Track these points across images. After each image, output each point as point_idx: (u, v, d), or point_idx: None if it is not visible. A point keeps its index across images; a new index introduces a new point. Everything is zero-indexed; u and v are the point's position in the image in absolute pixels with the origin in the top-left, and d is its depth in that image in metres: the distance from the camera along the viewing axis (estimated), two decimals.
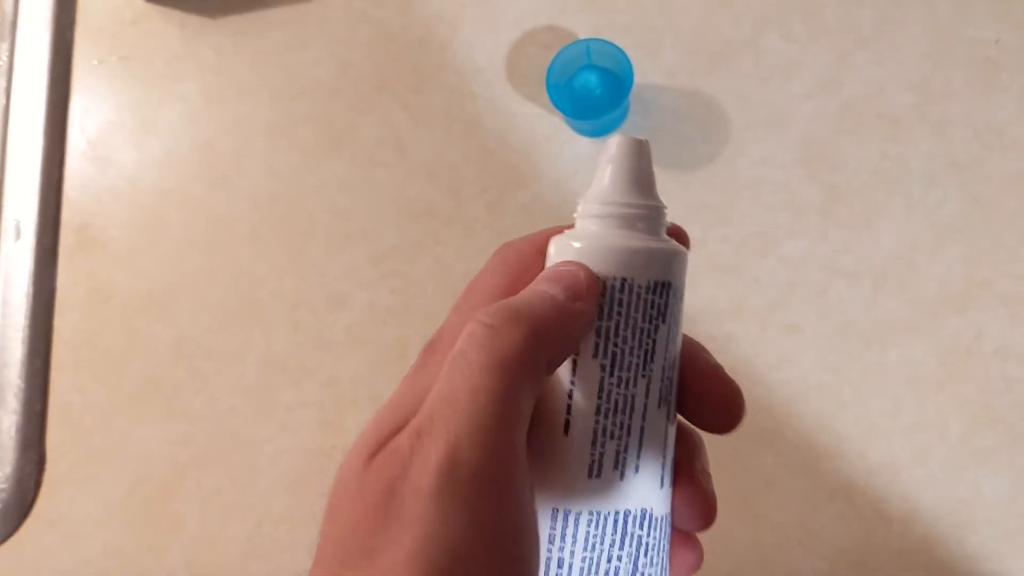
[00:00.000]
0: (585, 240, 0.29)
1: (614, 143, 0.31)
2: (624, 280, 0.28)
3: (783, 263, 0.58)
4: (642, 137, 0.31)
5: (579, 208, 0.30)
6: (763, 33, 0.61)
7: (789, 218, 0.59)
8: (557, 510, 0.28)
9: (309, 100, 0.66)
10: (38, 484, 0.65)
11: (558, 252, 0.30)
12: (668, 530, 0.30)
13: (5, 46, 0.72)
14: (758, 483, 0.56)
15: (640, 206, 0.30)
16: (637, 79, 0.60)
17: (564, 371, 0.28)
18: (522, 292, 0.29)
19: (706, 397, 0.31)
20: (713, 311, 0.58)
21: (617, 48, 0.58)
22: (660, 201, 0.30)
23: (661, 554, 0.29)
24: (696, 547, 0.32)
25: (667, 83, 0.62)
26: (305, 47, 0.67)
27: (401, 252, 0.63)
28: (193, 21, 0.70)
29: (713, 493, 0.31)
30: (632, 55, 0.58)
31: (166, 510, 0.63)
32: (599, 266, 0.29)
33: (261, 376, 0.63)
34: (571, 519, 0.28)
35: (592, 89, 0.59)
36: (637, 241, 0.29)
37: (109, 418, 0.65)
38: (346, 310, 0.63)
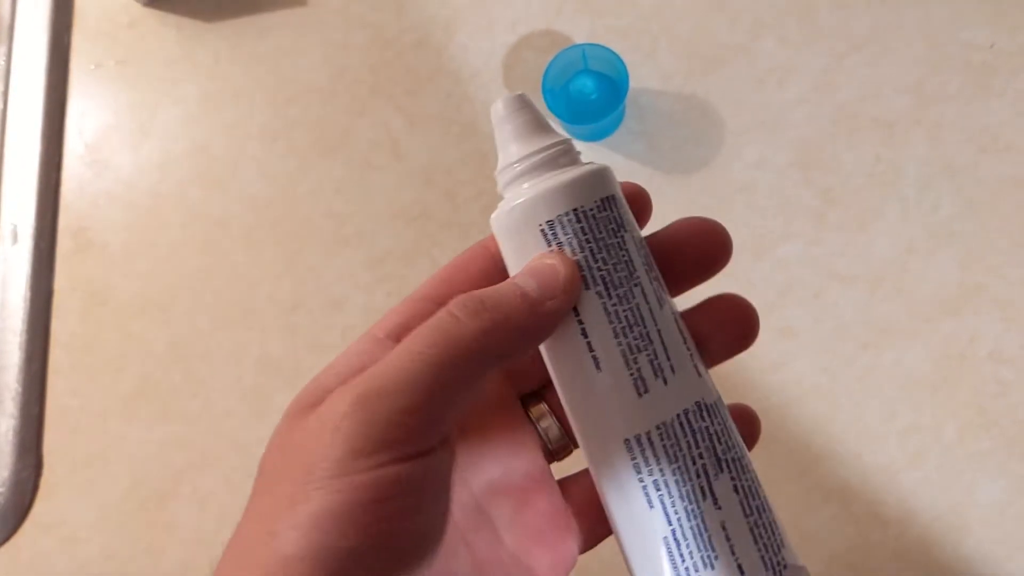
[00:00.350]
0: (521, 197, 0.30)
1: (500, 106, 0.32)
2: (575, 210, 0.29)
3: (778, 266, 0.58)
4: (518, 92, 0.32)
5: (501, 179, 0.31)
6: (758, 37, 0.61)
7: (784, 221, 0.59)
8: (629, 440, 0.29)
9: (305, 104, 0.67)
10: (35, 488, 0.65)
11: (500, 227, 0.31)
12: (726, 411, 0.31)
13: (2, 50, 0.72)
14: None
15: (553, 145, 0.30)
16: (633, 83, 0.60)
17: (567, 319, 0.29)
18: (501, 283, 0.30)
19: (685, 248, 0.32)
20: None
21: (613, 53, 0.58)
22: (565, 135, 0.31)
23: (732, 435, 0.30)
24: (752, 419, 0.33)
25: (663, 87, 0.62)
26: (301, 51, 0.68)
27: (397, 255, 0.63)
28: (189, 25, 0.70)
29: (742, 300, 0.32)
30: (628, 59, 0.58)
31: (163, 513, 0.63)
32: (548, 213, 0.29)
33: (258, 379, 0.63)
34: (645, 441, 0.29)
35: (588, 94, 0.59)
36: (568, 174, 0.30)
37: (106, 421, 0.65)
38: (342, 313, 0.63)
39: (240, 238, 0.65)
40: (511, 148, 0.31)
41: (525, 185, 0.30)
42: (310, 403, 0.28)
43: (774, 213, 0.59)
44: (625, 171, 0.61)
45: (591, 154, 0.62)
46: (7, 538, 0.64)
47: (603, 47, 0.58)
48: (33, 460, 0.65)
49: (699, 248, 0.32)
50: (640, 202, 0.32)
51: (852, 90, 0.60)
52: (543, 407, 0.34)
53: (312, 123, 0.66)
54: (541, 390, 0.34)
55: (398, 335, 0.29)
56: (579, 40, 0.63)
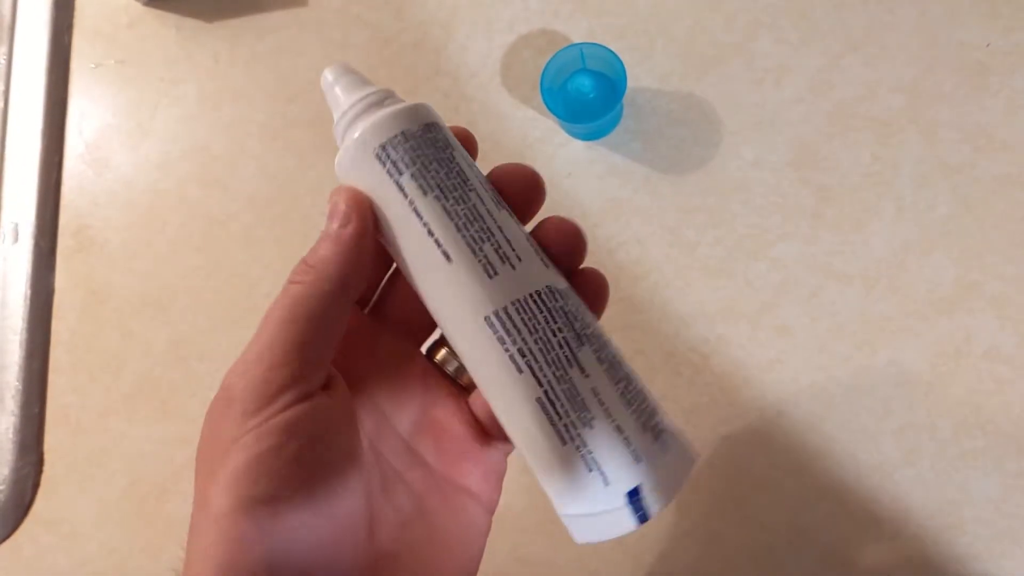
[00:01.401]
0: (353, 135, 0.34)
1: (327, 74, 0.36)
2: (403, 132, 0.33)
3: (774, 265, 0.59)
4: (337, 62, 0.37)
5: (338, 132, 0.35)
6: (755, 37, 0.62)
7: (780, 220, 0.59)
8: (488, 317, 0.32)
9: (304, 103, 0.67)
10: (36, 485, 0.65)
11: (343, 168, 0.35)
12: (579, 300, 0.34)
13: (3, 49, 0.72)
14: (749, 485, 0.56)
15: (377, 92, 0.35)
16: (630, 83, 0.60)
17: (411, 221, 0.33)
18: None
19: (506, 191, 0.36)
20: (705, 314, 0.59)
21: (611, 52, 0.58)
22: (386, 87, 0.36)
23: (589, 316, 0.34)
24: (599, 280, 0.37)
25: (660, 87, 0.62)
26: (300, 51, 0.68)
27: None
28: (189, 25, 0.70)
29: (569, 223, 0.36)
30: (625, 59, 0.58)
31: (162, 511, 0.63)
32: (380, 138, 0.33)
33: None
34: (503, 315, 0.32)
35: (586, 93, 0.60)
36: (392, 107, 0.34)
37: (106, 419, 0.65)
38: None
39: (240, 236, 0.66)
40: (341, 101, 0.35)
41: (358, 124, 0.34)
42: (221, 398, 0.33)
43: (771, 212, 0.59)
44: (623, 170, 0.61)
45: (589, 153, 0.62)
46: (8, 535, 0.64)
47: (601, 46, 0.58)
48: (34, 458, 0.65)
49: (519, 191, 0.36)
50: (468, 144, 0.37)
51: (848, 89, 0.60)
52: (444, 351, 0.39)
53: (311, 121, 0.66)
54: (439, 340, 0.39)
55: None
56: (577, 40, 0.64)
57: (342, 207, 0.34)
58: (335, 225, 0.34)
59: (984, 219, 0.57)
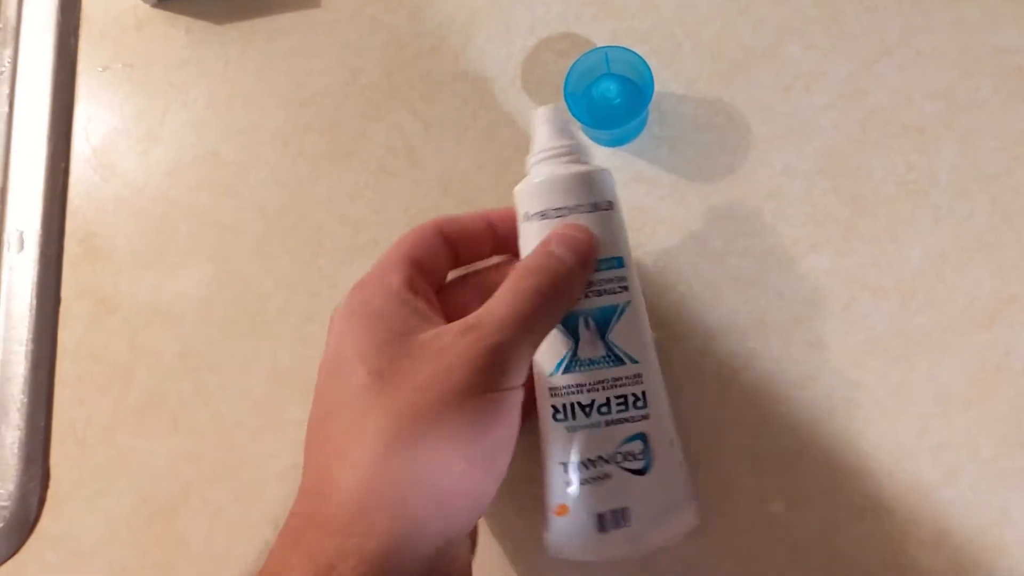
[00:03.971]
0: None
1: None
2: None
3: (807, 277, 0.57)
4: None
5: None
6: (784, 41, 0.60)
7: (812, 230, 0.57)
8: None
9: (317, 107, 0.65)
10: (42, 501, 0.63)
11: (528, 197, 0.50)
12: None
13: (8, 52, 0.70)
14: (781, 505, 0.55)
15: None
16: (656, 88, 0.58)
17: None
18: (533, 255, 0.47)
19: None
20: (735, 327, 0.57)
21: (637, 56, 0.56)
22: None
23: None
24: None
25: (686, 92, 0.60)
26: (313, 54, 0.66)
27: None
28: (199, 27, 0.69)
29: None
30: (650, 63, 0.56)
31: (171, 528, 0.61)
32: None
33: (269, 391, 0.62)
34: None
35: (611, 99, 0.58)
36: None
37: (113, 433, 0.63)
38: None
39: (251, 246, 0.64)
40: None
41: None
42: (365, 312, 0.46)
43: (802, 222, 0.57)
44: (649, 177, 0.60)
45: (613, 160, 0.60)
46: (13, 553, 0.62)
47: (626, 50, 0.57)
48: (39, 472, 0.63)
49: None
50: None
51: (881, 96, 0.58)
52: None
53: (325, 127, 0.64)
54: None
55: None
56: (600, 43, 0.62)
57: (592, 250, 0.48)
58: (579, 262, 0.47)
59: (1022, 230, 0.55)
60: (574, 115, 0.57)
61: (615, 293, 0.50)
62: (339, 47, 0.66)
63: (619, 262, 0.50)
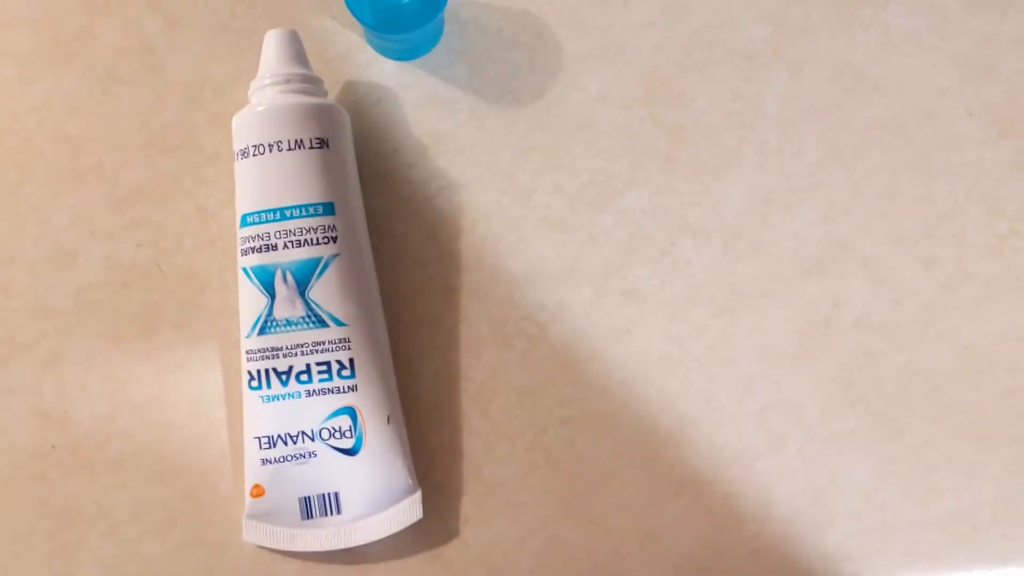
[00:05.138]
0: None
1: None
2: None
3: (622, 218, 0.49)
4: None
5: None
6: None
7: (629, 165, 0.50)
8: None
9: None
10: None
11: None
12: None
13: None
14: (594, 478, 0.47)
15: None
16: None
17: None
18: None
19: None
20: (542, 275, 0.49)
21: None
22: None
23: None
24: None
25: (488, 0, 0.51)
26: None
27: (151, 194, 0.49)
28: None
29: None
30: None
31: None
32: None
33: None
34: None
35: None
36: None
37: None
38: (76, 268, 0.49)
39: None
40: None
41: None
42: None
43: (618, 155, 0.50)
44: (445, 98, 0.50)
45: (403, 75, 0.50)
46: None
47: None
48: None
49: None
50: None
51: (706, 14, 0.51)
52: None
53: (37, 22, 0.51)
54: None
55: None
56: None
57: None
58: None
59: (854, 169, 0.50)
60: (355, 15, 0.46)
61: (319, 244, 0.43)
62: None
63: (327, 208, 0.44)
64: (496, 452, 0.48)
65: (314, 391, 0.43)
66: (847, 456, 0.48)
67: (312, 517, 0.44)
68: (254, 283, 0.44)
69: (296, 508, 0.44)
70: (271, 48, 0.46)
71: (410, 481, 0.45)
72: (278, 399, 0.44)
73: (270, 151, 0.43)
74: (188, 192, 0.49)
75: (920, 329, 0.49)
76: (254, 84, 0.46)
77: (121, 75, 0.50)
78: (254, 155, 0.44)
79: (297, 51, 0.46)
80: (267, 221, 0.43)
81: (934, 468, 0.48)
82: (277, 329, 0.43)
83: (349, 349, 0.43)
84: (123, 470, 0.47)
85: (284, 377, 0.43)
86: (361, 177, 0.48)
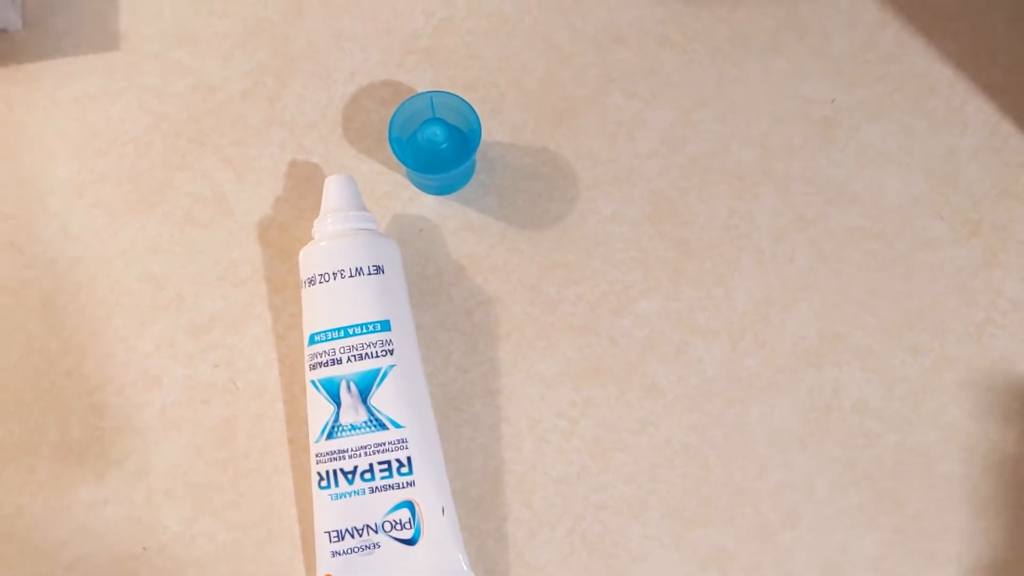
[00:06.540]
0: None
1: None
2: None
3: (638, 322, 0.56)
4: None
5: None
6: (606, 91, 0.60)
7: (642, 275, 0.57)
8: None
9: (117, 155, 0.59)
10: None
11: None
12: None
13: None
14: (627, 559, 0.52)
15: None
16: (482, 136, 0.57)
17: None
18: None
19: None
20: (570, 375, 0.55)
21: (462, 100, 0.55)
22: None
23: None
24: None
25: (513, 140, 0.59)
26: (112, 98, 0.60)
27: (225, 321, 0.56)
28: None
29: None
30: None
31: None
32: None
33: (55, 470, 0.54)
34: None
35: (438, 143, 0.56)
36: None
37: None
38: (160, 389, 0.55)
39: (34, 306, 0.57)
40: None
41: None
42: None
43: (631, 267, 0.57)
44: (478, 226, 0.58)
45: (441, 208, 0.58)
46: None
47: (453, 95, 0.55)
48: None
49: None
50: None
51: (701, 144, 0.59)
52: None
53: (125, 176, 0.59)
54: None
55: None
56: (423, 91, 0.60)
57: None
58: None
59: (840, 270, 0.57)
60: (400, 160, 0.54)
61: (378, 357, 0.49)
62: (140, 92, 0.60)
63: (384, 325, 0.50)
64: (538, 538, 0.53)
65: (376, 488, 0.49)
66: (856, 529, 0.53)
67: None
68: (322, 394, 0.50)
69: None
70: (331, 191, 0.53)
71: (464, 567, 0.50)
72: (345, 496, 0.49)
73: (333, 279, 0.50)
74: (258, 318, 0.56)
75: (911, 410, 0.54)
76: (317, 223, 0.53)
77: (197, 219, 0.58)
78: (320, 283, 0.50)
79: (353, 192, 0.53)
80: (332, 339, 0.50)
81: (933, 537, 0.53)
82: (343, 434, 0.49)
83: (407, 448, 0.49)
84: (207, 568, 0.53)
85: (350, 476, 0.49)
86: (410, 296, 0.55)
